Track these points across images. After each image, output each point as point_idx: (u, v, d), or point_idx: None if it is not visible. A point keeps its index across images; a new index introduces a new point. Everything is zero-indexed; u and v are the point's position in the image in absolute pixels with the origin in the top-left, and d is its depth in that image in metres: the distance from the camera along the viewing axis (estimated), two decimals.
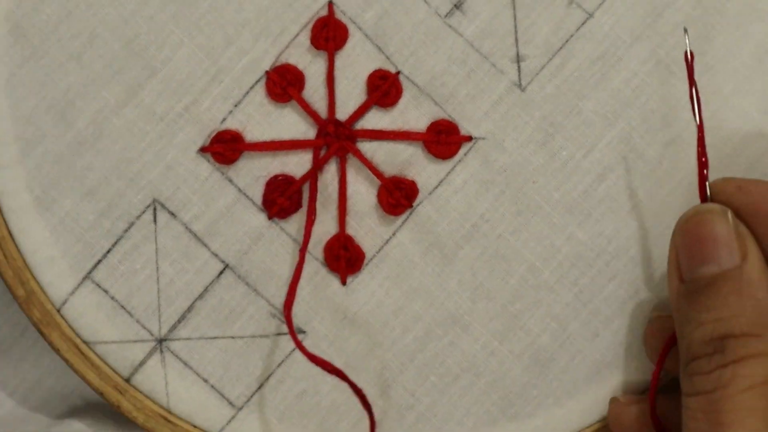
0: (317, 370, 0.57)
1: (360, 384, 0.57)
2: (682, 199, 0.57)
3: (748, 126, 0.57)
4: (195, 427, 0.57)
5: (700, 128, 0.53)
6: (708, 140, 0.57)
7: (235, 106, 0.56)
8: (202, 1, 0.56)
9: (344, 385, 0.57)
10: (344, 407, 0.58)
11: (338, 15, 0.56)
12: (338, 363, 0.57)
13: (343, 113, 0.57)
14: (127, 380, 0.57)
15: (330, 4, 0.56)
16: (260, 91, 0.56)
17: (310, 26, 0.56)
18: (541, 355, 0.58)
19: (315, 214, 0.56)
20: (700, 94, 0.54)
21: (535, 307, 0.58)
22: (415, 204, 0.57)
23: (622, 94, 0.57)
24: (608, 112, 0.57)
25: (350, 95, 0.57)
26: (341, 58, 0.56)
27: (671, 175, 0.57)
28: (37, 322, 0.57)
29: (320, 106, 0.57)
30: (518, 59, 0.57)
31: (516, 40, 0.57)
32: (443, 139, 0.57)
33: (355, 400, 0.57)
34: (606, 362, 0.58)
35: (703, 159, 0.53)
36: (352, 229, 0.57)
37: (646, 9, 0.57)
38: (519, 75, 0.57)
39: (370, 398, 0.57)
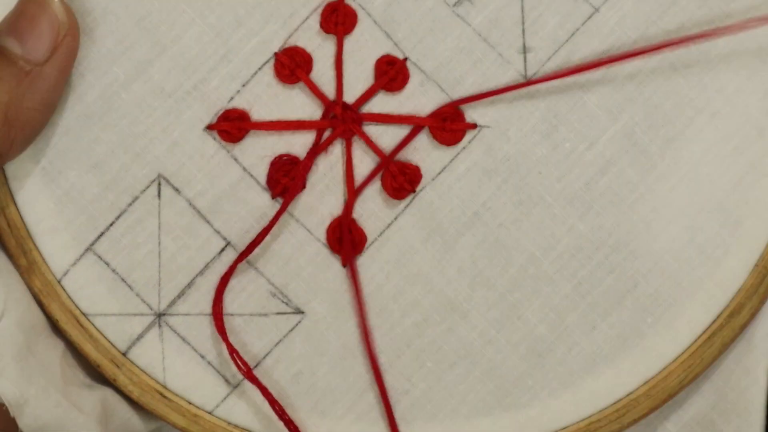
0: (314, 352, 0.57)
1: (356, 367, 0.57)
2: (683, 194, 0.57)
3: (750, 126, 0.58)
4: (190, 403, 0.57)
5: None
6: (710, 138, 0.57)
7: (243, 85, 0.57)
8: None
9: (341, 368, 0.57)
10: (340, 390, 0.58)
11: (348, 1, 0.57)
12: (336, 345, 0.58)
13: (350, 97, 0.57)
14: (125, 354, 0.57)
15: None
16: (269, 72, 0.57)
17: (320, 11, 0.57)
18: (538, 345, 0.58)
19: (304, 186, 0.56)
20: (702, 92, 0.56)
21: (534, 298, 0.58)
22: (418, 189, 0.57)
23: (626, 89, 0.57)
24: (612, 106, 0.57)
25: (358, 79, 0.57)
26: (349, 43, 0.57)
27: (672, 171, 0.58)
28: (37, 292, 0.57)
29: (327, 89, 0.57)
30: (524, 50, 0.57)
31: (523, 31, 0.57)
32: (448, 126, 0.57)
33: (352, 383, 0.57)
34: (602, 355, 0.58)
35: None
36: (354, 212, 0.57)
37: (651, 6, 0.57)
38: (525, 66, 0.57)
39: (366, 382, 0.58)
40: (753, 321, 0.59)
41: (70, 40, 0.54)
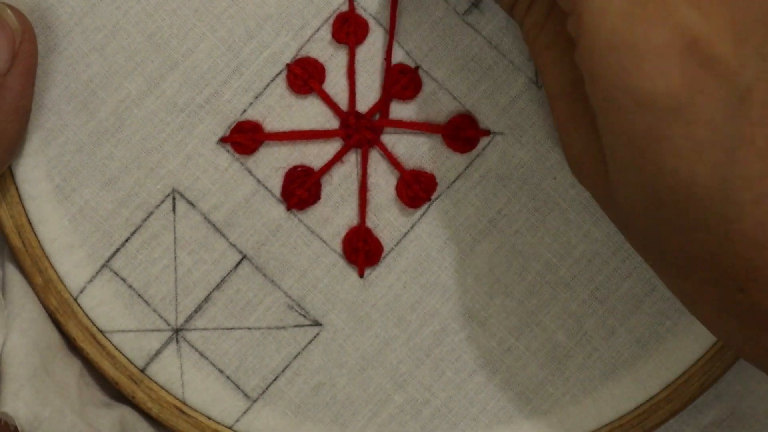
0: (333, 363, 0.57)
1: (376, 378, 0.57)
2: None
3: None
4: (210, 419, 0.57)
5: None
6: None
7: (256, 98, 0.57)
8: None
9: (360, 379, 0.57)
10: (360, 401, 0.57)
11: (358, 10, 0.57)
12: (355, 356, 0.57)
13: (363, 106, 0.57)
14: (143, 370, 0.57)
15: (351, 0, 0.57)
16: (281, 83, 0.57)
17: (331, 21, 0.57)
18: (557, 352, 0.58)
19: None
20: None
21: (552, 304, 0.58)
22: (433, 197, 0.57)
23: None
24: None
25: (370, 89, 0.57)
26: (361, 53, 0.57)
27: None
28: (54, 310, 0.56)
29: (340, 99, 0.57)
30: None
31: None
32: (462, 134, 0.57)
33: (372, 394, 0.57)
34: (622, 360, 0.58)
35: None
36: (370, 222, 0.57)
37: None
38: (536, 72, 0.57)
39: (386, 392, 0.57)
40: None
41: (27, 46, 0.54)
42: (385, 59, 0.57)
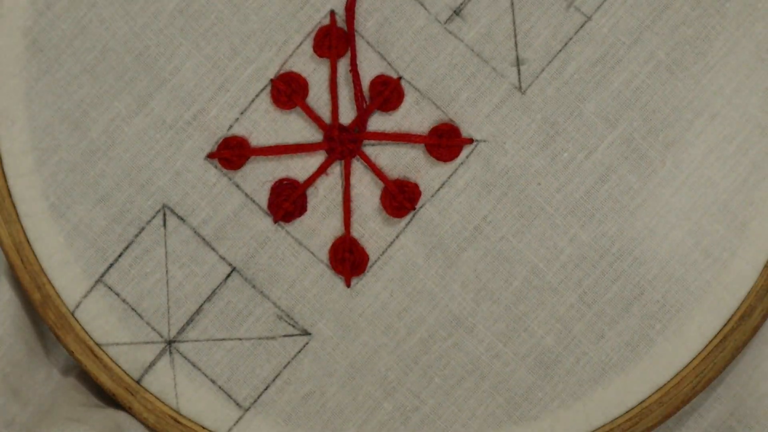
0: (323, 372, 0.58)
1: (365, 386, 0.58)
2: (686, 198, 0.57)
3: (751, 126, 0.57)
4: (203, 428, 0.58)
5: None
6: (711, 140, 0.57)
7: (242, 113, 0.58)
8: (209, 14, 0.58)
9: (350, 387, 0.58)
10: (350, 409, 0.58)
11: (340, 24, 0.58)
12: (344, 364, 0.58)
13: (346, 118, 0.58)
14: (138, 381, 0.58)
15: (332, 14, 0.58)
16: (266, 98, 0.58)
17: (313, 35, 0.58)
18: (545, 357, 0.58)
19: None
20: (701, 94, 0.55)
21: (539, 309, 0.58)
22: (417, 206, 0.58)
23: (623, 95, 0.57)
24: (609, 113, 0.57)
25: (353, 101, 0.58)
26: (343, 65, 0.58)
27: (674, 175, 0.57)
28: (52, 325, 0.58)
29: (324, 112, 0.58)
30: (518, 63, 0.57)
31: (516, 44, 0.57)
32: (445, 142, 0.57)
33: (361, 402, 0.58)
34: (612, 364, 0.58)
35: None
36: (356, 232, 0.58)
37: (644, 11, 0.57)
38: (519, 78, 0.58)
39: (375, 400, 0.58)
40: (766, 323, 0.58)
41: None
42: (350, 71, 0.57)
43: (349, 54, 0.58)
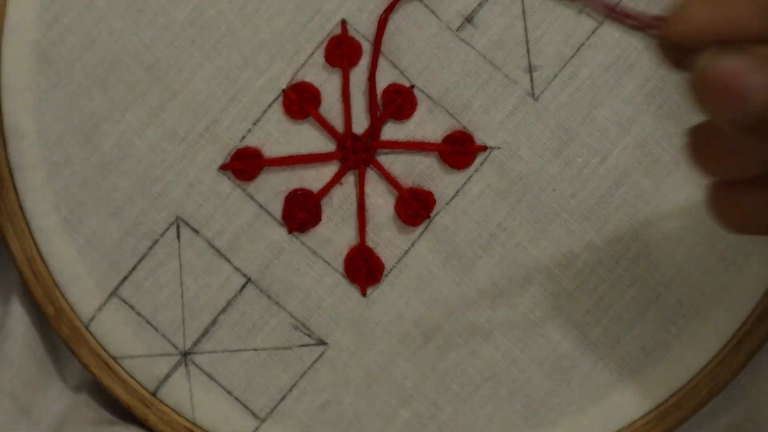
0: (339, 381, 0.58)
1: (381, 394, 0.58)
2: (700, 202, 0.57)
3: None
4: None
5: None
6: None
7: (254, 124, 0.58)
8: (219, 25, 0.58)
9: (366, 396, 0.58)
10: (367, 417, 0.58)
11: (352, 33, 0.58)
12: (360, 373, 0.58)
13: (359, 128, 0.58)
14: (153, 394, 0.58)
15: (343, 23, 0.58)
16: (278, 109, 0.58)
17: (325, 44, 0.58)
18: (562, 362, 0.58)
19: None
20: None
21: (556, 315, 0.58)
22: (432, 214, 0.58)
23: (636, 100, 0.57)
24: (622, 118, 0.57)
25: (366, 110, 0.58)
26: (356, 75, 0.58)
27: (689, 179, 0.57)
28: (66, 339, 0.58)
29: (337, 122, 0.58)
30: (530, 69, 0.58)
31: (528, 50, 0.58)
32: (459, 150, 0.57)
33: (378, 410, 0.58)
34: (628, 368, 0.58)
35: None
36: (371, 241, 0.58)
37: (656, 13, 0.57)
38: (532, 85, 0.58)
39: (392, 408, 0.58)
40: None
41: None
42: (368, 79, 0.57)
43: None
